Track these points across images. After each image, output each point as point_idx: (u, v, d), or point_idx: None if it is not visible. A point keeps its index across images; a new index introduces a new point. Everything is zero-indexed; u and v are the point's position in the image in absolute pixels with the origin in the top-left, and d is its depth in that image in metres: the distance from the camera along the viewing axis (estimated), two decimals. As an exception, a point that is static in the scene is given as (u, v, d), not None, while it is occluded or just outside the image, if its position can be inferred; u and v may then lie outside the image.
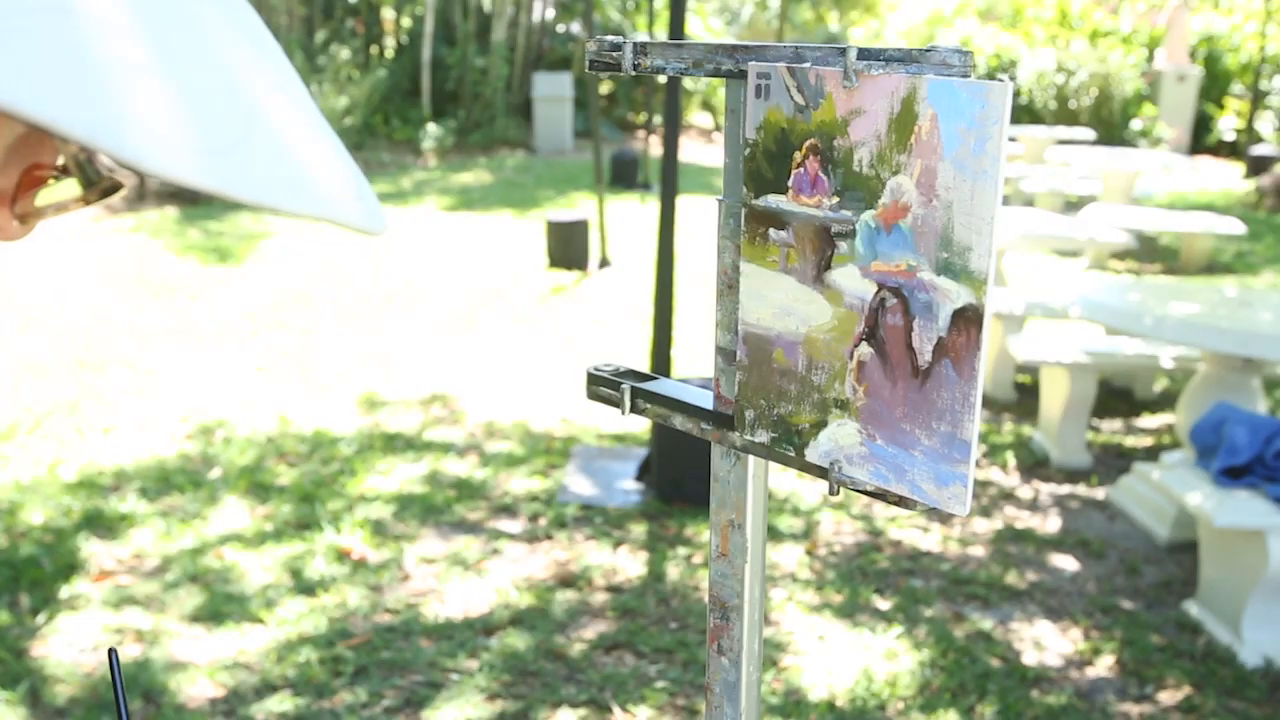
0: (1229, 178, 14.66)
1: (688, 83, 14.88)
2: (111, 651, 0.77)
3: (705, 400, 0.87)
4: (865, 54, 0.70)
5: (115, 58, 0.39)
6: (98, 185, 0.53)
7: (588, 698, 2.90)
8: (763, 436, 0.81)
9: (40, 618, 3.19)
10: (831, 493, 0.77)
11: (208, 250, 8.24)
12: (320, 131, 0.50)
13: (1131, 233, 8.09)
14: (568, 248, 8.11)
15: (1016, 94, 16.81)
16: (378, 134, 14.10)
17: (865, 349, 0.74)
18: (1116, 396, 5.57)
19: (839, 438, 0.77)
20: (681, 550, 3.74)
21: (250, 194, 0.42)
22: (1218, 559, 3.37)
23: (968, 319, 0.68)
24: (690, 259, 7.17)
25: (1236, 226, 8.14)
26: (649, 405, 0.89)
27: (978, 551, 3.86)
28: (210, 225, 9.20)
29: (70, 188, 0.54)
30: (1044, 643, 3.28)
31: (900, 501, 0.75)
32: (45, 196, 0.54)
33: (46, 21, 0.38)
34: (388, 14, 15.80)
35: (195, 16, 0.46)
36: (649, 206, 9.88)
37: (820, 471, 0.79)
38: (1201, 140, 17.34)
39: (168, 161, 0.39)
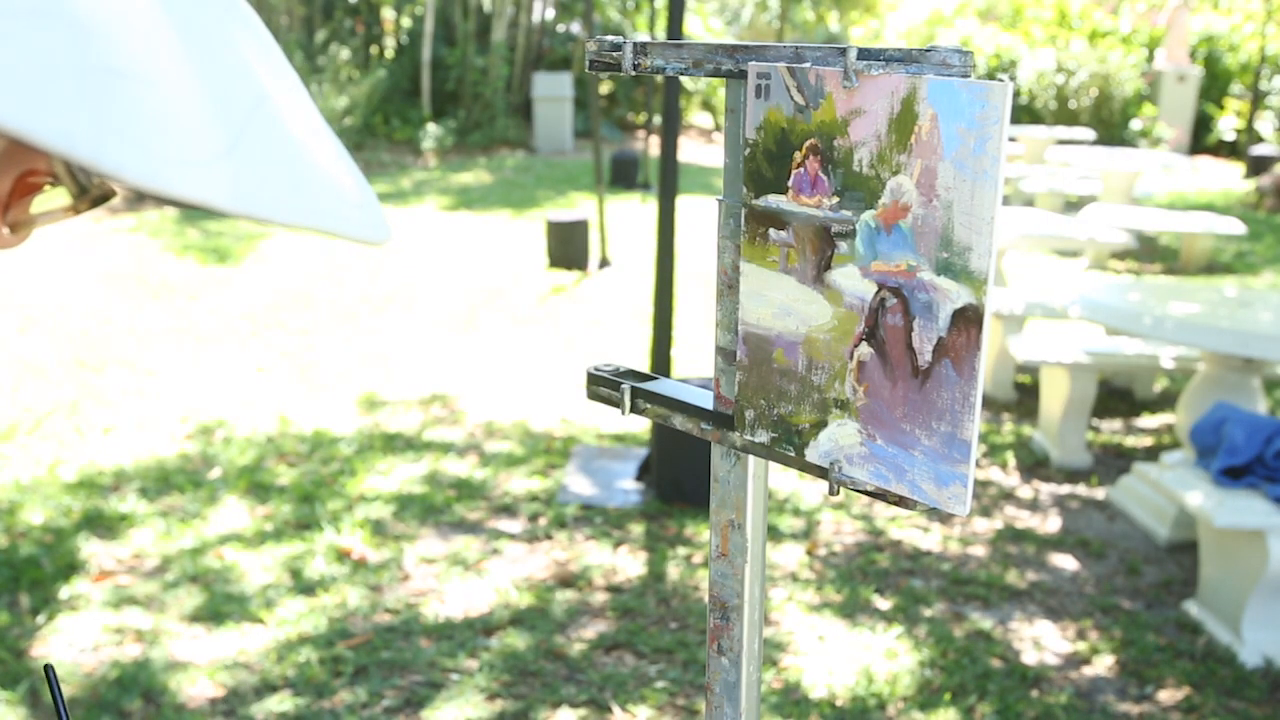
0: (1229, 178, 14.66)
1: (688, 83, 14.89)
2: (48, 668, 0.75)
3: (705, 400, 0.87)
4: (865, 54, 0.70)
5: (93, 63, 0.37)
6: (88, 194, 0.52)
7: (588, 698, 2.90)
8: (763, 436, 0.81)
9: (40, 618, 3.19)
10: (831, 493, 0.77)
11: (207, 250, 8.24)
12: (319, 137, 0.48)
13: (1131, 233, 8.09)
14: (568, 248, 8.11)
15: (1016, 94, 16.81)
16: (377, 134, 14.11)
17: (865, 349, 0.74)
18: (1116, 396, 5.57)
19: (839, 438, 0.77)
20: (681, 550, 3.74)
21: (239, 206, 0.40)
22: (1218, 559, 3.37)
23: (968, 319, 0.68)
24: (690, 259, 7.17)
25: (1236, 226, 8.14)
26: (649, 405, 0.89)
27: (978, 551, 3.86)
28: (210, 225, 9.20)
29: (61, 196, 0.52)
30: (1044, 643, 3.28)
31: (900, 501, 0.75)
32: (37, 205, 0.52)
33: (21, 26, 0.36)
34: (388, 14, 15.80)
35: (184, 16, 0.43)
36: (649, 206, 9.88)
37: (820, 471, 0.79)
38: (1201, 140, 17.34)
39: (149, 173, 0.37)
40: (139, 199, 9.89)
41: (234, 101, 0.43)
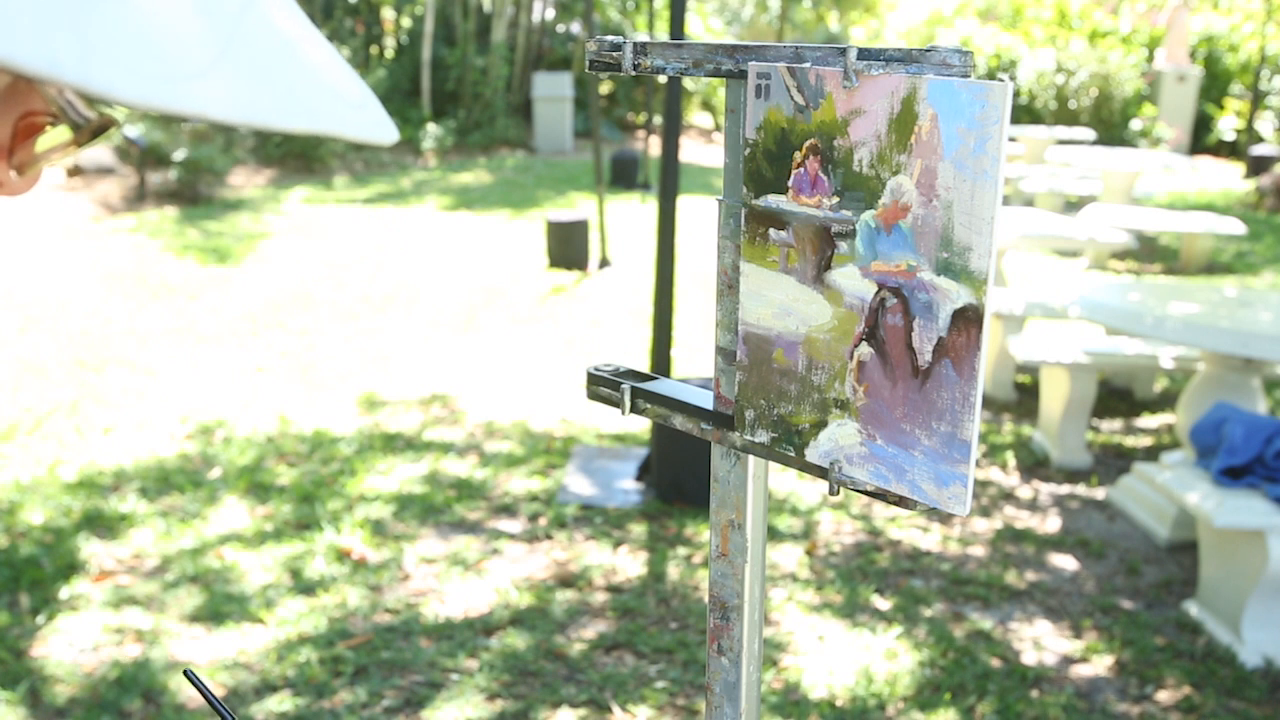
0: (1229, 178, 14.66)
1: (688, 83, 14.88)
2: (188, 673, 0.81)
3: (705, 400, 0.87)
4: (865, 54, 0.70)
5: None
6: (86, 127, 0.52)
7: (588, 698, 2.90)
8: (763, 436, 0.81)
9: (40, 618, 3.19)
10: (831, 493, 0.77)
11: (207, 250, 8.24)
12: (311, 38, 0.47)
13: (1131, 233, 8.09)
14: (567, 248, 8.12)
15: (1016, 94, 16.81)
16: (378, 134, 14.10)
17: (865, 349, 0.74)
18: (1116, 396, 5.57)
19: (839, 438, 0.77)
20: (681, 550, 3.74)
21: (236, 114, 0.39)
22: (1218, 559, 3.37)
23: (968, 319, 0.68)
24: (690, 259, 7.18)
25: (1236, 226, 8.14)
26: (649, 405, 0.89)
27: (978, 551, 3.86)
28: (209, 225, 9.19)
29: (62, 133, 0.53)
30: (1044, 643, 3.28)
31: (900, 501, 0.75)
32: (41, 145, 0.53)
33: None
34: (388, 14, 15.80)
35: None
36: (649, 206, 9.88)
37: (820, 471, 0.79)
38: (1201, 140, 17.34)
39: (141, 90, 0.36)
40: (140, 199, 9.89)
41: (220, 6, 0.42)
